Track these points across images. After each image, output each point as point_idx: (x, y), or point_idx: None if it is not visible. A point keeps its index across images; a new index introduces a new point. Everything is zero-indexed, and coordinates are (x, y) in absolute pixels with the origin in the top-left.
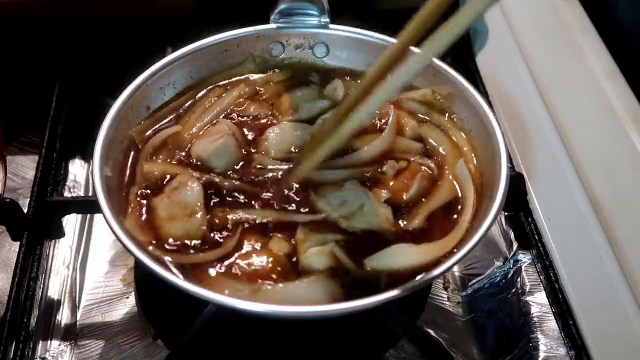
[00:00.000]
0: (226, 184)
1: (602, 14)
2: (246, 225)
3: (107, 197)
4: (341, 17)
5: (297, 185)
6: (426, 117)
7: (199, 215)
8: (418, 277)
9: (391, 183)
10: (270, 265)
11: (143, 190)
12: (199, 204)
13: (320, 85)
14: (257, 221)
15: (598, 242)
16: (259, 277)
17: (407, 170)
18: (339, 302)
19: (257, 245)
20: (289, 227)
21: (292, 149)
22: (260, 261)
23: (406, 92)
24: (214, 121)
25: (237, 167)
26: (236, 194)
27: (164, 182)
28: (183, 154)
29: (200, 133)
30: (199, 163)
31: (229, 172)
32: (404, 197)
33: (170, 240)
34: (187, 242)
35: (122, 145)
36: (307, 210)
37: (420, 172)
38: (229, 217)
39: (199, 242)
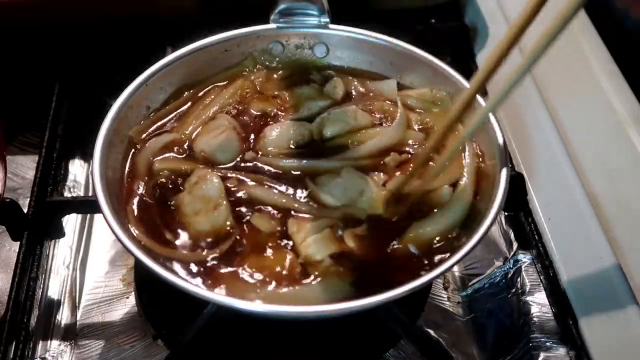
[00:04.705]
0: (234, 175)
1: (602, 14)
2: (258, 208)
3: (107, 197)
4: (341, 17)
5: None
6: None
7: (223, 207)
8: (418, 278)
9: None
10: (275, 263)
11: (145, 190)
12: (222, 195)
13: (320, 84)
14: (269, 206)
15: (598, 242)
16: (263, 275)
17: (408, 163)
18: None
19: (260, 244)
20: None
21: (291, 146)
22: (263, 260)
23: (405, 91)
24: (214, 117)
25: (240, 160)
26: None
27: (174, 180)
28: (186, 151)
29: (201, 129)
30: (202, 158)
31: (233, 165)
32: (404, 188)
33: (197, 236)
34: (212, 236)
35: (122, 145)
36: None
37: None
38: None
39: (224, 234)
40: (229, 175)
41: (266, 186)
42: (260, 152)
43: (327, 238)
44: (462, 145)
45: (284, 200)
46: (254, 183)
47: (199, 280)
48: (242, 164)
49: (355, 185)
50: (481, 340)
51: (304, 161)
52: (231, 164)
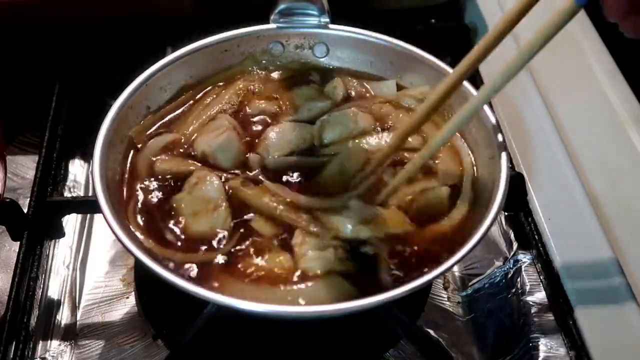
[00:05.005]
0: (234, 177)
1: (602, 14)
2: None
3: (107, 197)
4: (341, 17)
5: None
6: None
7: (222, 208)
8: (418, 278)
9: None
10: (275, 264)
11: (145, 190)
12: (221, 197)
13: (320, 85)
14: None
15: (598, 242)
16: (263, 276)
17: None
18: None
19: (259, 245)
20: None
21: (292, 149)
22: (263, 261)
23: (404, 90)
24: (214, 117)
25: (242, 161)
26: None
27: (175, 181)
28: (186, 151)
29: (201, 129)
30: (203, 158)
31: (234, 166)
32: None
33: (197, 236)
34: (212, 237)
35: (122, 145)
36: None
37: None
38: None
39: (223, 236)
40: (230, 178)
41: (268, 197)
42: (261, 155)
43: (329, 257)
44: (450, 137)
45: (289, 216)
46: (256, 191)
47: (198, 280)
48: (245, 171)
49: (368, 212)
50: (481, 340)
51: (310, 198)
52: (232, 169)
